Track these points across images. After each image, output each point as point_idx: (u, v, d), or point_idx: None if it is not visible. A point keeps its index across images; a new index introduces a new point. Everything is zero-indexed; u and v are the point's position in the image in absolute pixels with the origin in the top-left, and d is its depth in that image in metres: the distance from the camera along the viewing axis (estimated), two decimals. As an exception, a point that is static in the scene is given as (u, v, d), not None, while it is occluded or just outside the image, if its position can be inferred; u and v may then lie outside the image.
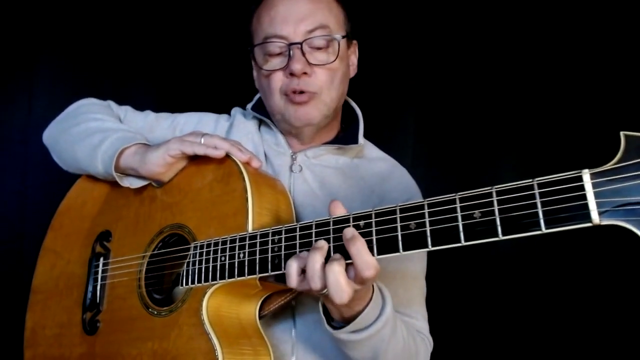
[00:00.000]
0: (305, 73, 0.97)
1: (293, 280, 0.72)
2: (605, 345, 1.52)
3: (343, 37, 1.02)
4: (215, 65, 1.80)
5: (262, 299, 0.90)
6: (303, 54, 0.97)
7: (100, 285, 1.04)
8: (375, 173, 1.09)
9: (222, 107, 1.21)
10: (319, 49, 0.99)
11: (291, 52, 0.97)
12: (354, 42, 1.11)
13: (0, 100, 1.65)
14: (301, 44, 0.97)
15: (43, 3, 1.68)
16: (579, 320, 1.56)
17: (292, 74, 0.97)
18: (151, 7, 1.78)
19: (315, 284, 0.69)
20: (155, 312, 0.91)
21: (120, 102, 1.25)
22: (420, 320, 1.01)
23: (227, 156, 0.92)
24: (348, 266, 0.70)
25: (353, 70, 1.11)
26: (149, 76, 1.81)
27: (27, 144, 1.66)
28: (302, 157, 1.06)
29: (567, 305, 1.59)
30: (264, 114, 1.10)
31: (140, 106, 1.25)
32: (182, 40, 1.80)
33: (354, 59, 1.11)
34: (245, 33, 1.08)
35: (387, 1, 1.72)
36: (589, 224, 0.55)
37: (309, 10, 0.98)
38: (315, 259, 0.69)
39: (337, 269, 0.68)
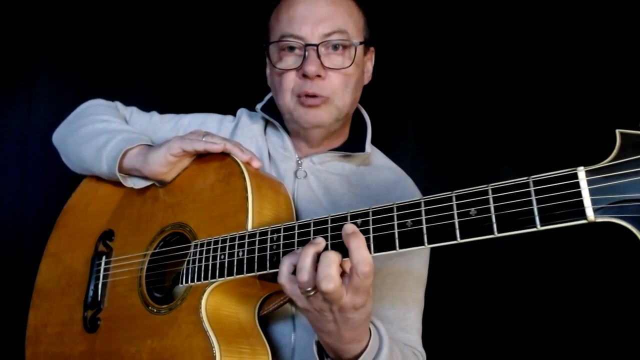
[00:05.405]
0: (319, 76, 0.96)
1: (283, 276, 0.71)
2: (605, 345, 1.52)
3: (361, 43, 1.01)
4: (221, 66, 1.80)
5: (261, 299, 0.91)
6: (318, 56, 0.96)
7: (102, 283, 1.04)
8: (380, 182, 1.08)
9: (227, 108, 1.21)
10: (334, 53, 0.98)
11: (306, 53, 0.96)
12: (371, 49, 1.10)
13: (0, 100, 1.65)
14: (317, 46, 0.96)
15: (43, 3, 1.68)
16: (577, 320, 1.56)
17: (305, 76, 0.96)
18: (153, 6, 1.78)
19: (303, 276, 0.68)
20: (155, 310, 0.91)
21: (122, 103, 1.25)
22: (414, 334, 1.00)
23: (229, 157, 0.93)
24: (342, 276, 0.69)
25: (367, 78, 1.10)
26: (151, 76, 1.81)
27: (27, 144, 1.66)
28: (307, 162, 1.06)
29: (566, 305, 1.59)
30: (273, 115, 1.09)
31: (142, 106, 1.26)
32: (186, 40, 1.80)
33: (369, 66, 1.10)
34: (262, 29, 1.07)
35: (386, 2, 1.72)
36: (584, 221, 0.55)
37: (328, 14, 0.98)
38: (308, 253, 0.69)
39: (331, 256, 0.67)
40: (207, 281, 0.85)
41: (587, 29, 1.58)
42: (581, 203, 0.55)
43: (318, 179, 1.05)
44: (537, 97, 1.65)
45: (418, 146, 1.78)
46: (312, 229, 0.74)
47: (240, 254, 0.81)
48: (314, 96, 0.98)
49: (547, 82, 1.64)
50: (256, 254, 0.79)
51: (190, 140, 0.94)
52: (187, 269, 0.88)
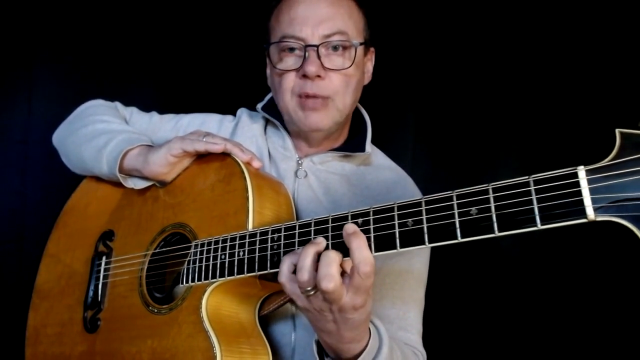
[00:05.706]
0: (319, 76, 0.96)
1: (283, 276, 0.71)
2: (605, 345, 1.52)
3: (361, 44, 1.01)
4: (221, 66, 1.80)
5: (262, 299, 0.91)
6: (319, 56, 0.96)
7: (102, 283, 1.04)
8: (380, 182, 1.08)
9: (227, 108, 1.21)
10: (335, 53, 0.98)
11: (307, 53, 0.96)
12: (372, 49, 1.10)
13: (0, 100, 1.65)
14: (317, 46, 0.96)
15: (43, 3, 1.68)
16: (577, 320, 1.57)
17: (305, 76, 0.97)
18: (153, 6, 1.78)
19: (303, 275, 0.68)
20: (156, 310, 0.91)
21: (122, 103, 1.25)
22: (414, 333, 1.00)
23: (229, 157, 0.93)
24: (343, 275, 0.69)
25: (367, 78, 1.10)
26: (151, 76, 1.81)
27: (27, 144, 1.66)
28: (308, 162, 1.06)
29: (566, 305, 1.59)
30: (273, 115, 1.09)
31: (142, 106, 1.26)
32: (186, 39, 1.80)
33: (369, 66, 1.10)
34: (263, 29, 1.07)
35: (386, 2, 1.72)
36: (584, 220, 0.55)
37: (328, 15, 0.98)
38: (308, 252, 0.69)
39: (332, 256, 0.67)
40: (207, 281, 0.85)
41: (587, 29, 1.58)
42: (581, 202, 0.55)
43: (318, 178, 1.05)
44: (537, 97, 1.66)
45: (418, 146, 1.78)
46: (312, 228, 0.74)
47: (241, 253, 0.81)
48: (314, 97, 0.98)
49: (547, 82, 1.64)
50: (257, 254, 0.79)
51: (191, 140, 0.95)
52: (188, 269, 0.88)
